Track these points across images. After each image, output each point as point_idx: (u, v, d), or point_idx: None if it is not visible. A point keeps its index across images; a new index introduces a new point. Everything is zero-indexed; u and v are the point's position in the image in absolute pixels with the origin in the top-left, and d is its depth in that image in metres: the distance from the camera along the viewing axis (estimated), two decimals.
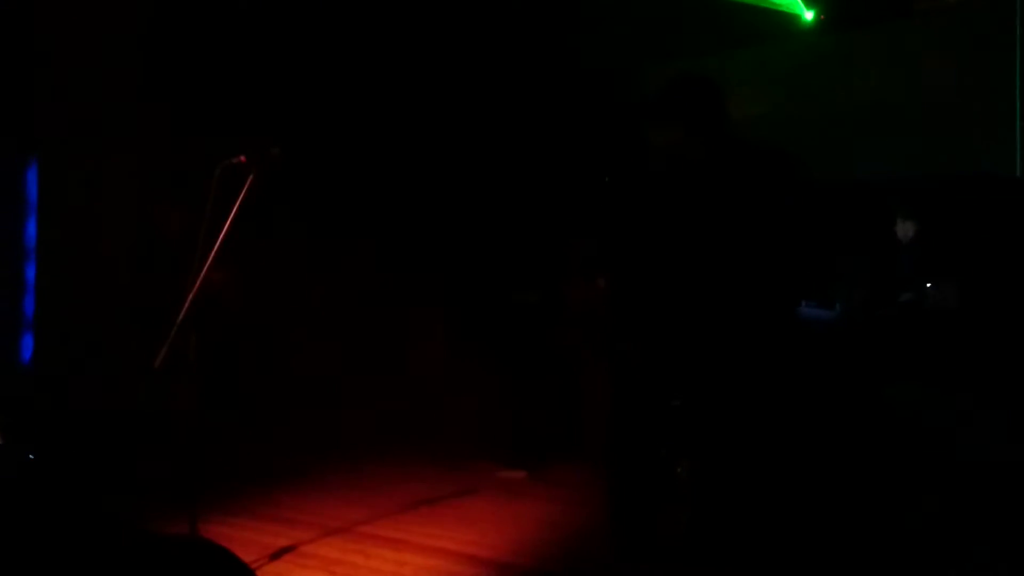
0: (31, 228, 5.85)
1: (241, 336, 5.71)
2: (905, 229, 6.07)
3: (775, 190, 2.99)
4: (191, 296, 3.34)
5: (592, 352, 5.77)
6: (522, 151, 7.96)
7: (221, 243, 3.37)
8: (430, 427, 6.35)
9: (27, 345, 5.82)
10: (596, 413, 5.72)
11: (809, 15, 8.06)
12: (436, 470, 5.64)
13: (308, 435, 5.97)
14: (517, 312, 6.71)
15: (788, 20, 8.10)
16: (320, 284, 6.52)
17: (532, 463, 5.72)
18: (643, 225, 3.46)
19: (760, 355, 2.99)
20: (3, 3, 5.52)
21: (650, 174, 3.51)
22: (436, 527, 4.43)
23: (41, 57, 5.71)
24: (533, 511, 4.79)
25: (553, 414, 6.39)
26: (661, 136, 3.19)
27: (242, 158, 3.52)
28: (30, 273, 5.83)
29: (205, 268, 3.35)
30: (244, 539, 4.12)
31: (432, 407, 6.51)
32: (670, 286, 3.22)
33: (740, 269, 3.01)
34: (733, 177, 3.04)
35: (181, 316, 3.32)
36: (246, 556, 3.75)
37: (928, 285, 5.84)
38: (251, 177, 3.48)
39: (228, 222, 3.41)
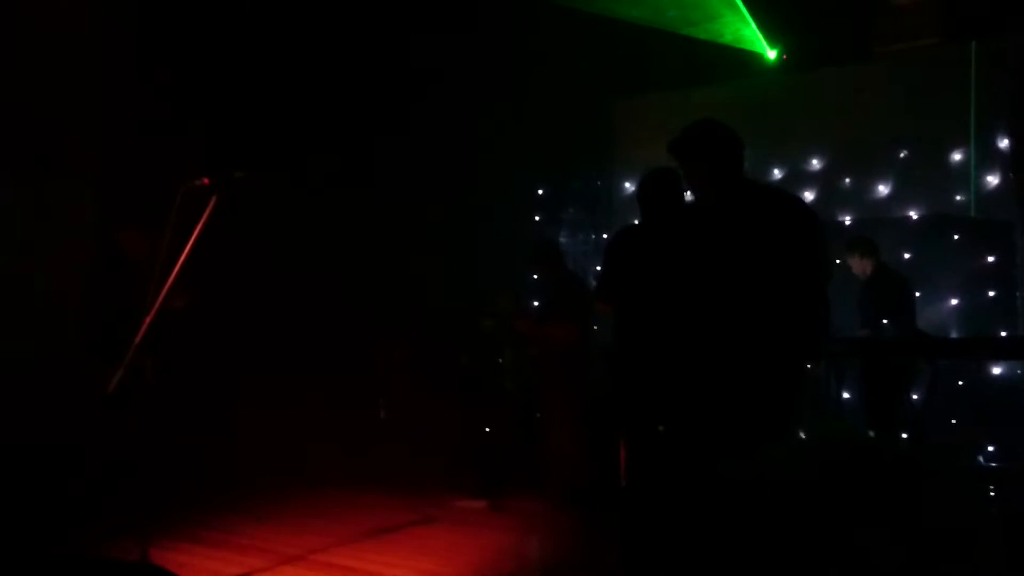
0: None
1: (200, 360, 5.64)
2: (862, 267, 6.17)
3: (790, 233, 3.10)
4: (149, 319, 3.30)
5: (564, 387, 5.79)
6: (484, 180, 8.04)
7: (181, 266, 3.34)
8: (391, 456, 6.31)
9: None
10: (559, 445, 5.73)
11: (772, 54, 8.24)
12: (395, 499, 5.60)
13: (265, 462, 5.90)
14: (477, 340, 6.73)
15: (752, 59, 8.28)
16: (284, 310, 6.48)
17: (492, 493, 5.70)
18: (659, 259, 3.55)
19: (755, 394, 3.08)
20: None
21: (668, 212, 3.62)
22: (393, 555, 4.39)
23: (2, 78, 5.66)
24: (492, 540, 4.77)
25: (514, 445, 6.39)
26: (687, 171, 3.32)
27: (205, 180, 3.49)
28: None
29: (164, 291, 3.32)
30: (196, 566, 4.07)
31: (394, 436, 6.49)
32: (676, 318, 3.30)
33: (747, 308, 3.10)
34: (751, 218, 3.15)
35: (138, 339, 3.28)
36: None
37: (884, 322, 5.94)
38: (213, 200, 3.45)
39: (189, 245, 3.38)
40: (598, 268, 7.60)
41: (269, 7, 6.74)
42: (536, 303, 7.19)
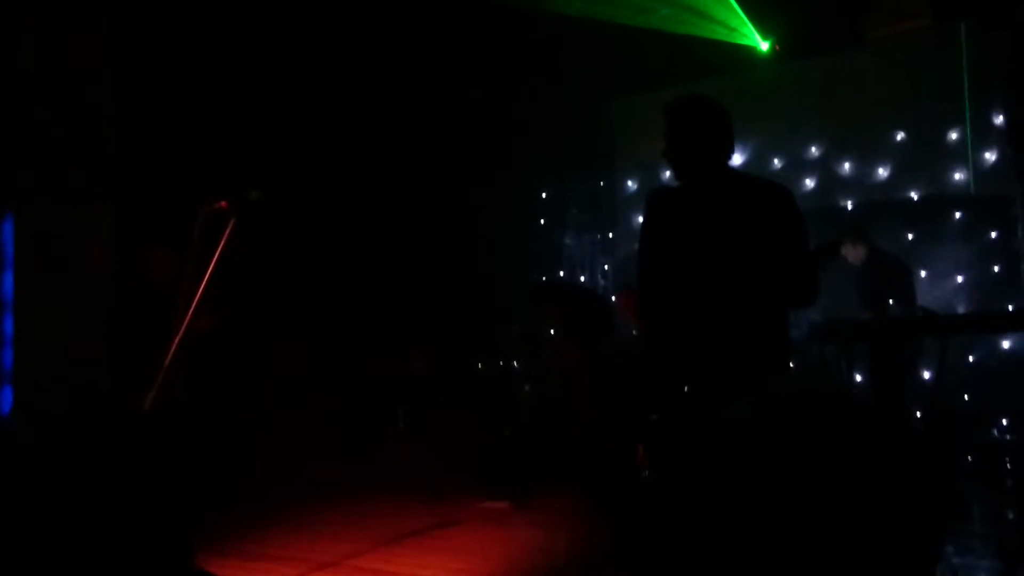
0: (8, 281, 5.87)
1: (228, 375, 5.74)
2: (856, 254, 6.20)
3: (778, 220, 3.12)
4: (178, 338, 3.42)
5: (589, 387, 5.85)
6: (502, 188, 8.14)
7: (205, 286, 3.46)
8: (413, 461, 6.41)
9: (6, 398, 5.81)
10: (578, 444, 5.82)
11: (765, 46, 8.33)
12: (420, 503, 5.70)
13: (293, 473, 6.01)
14: (499, 345, 6.82)
15: (745, 51, 8.37)
16: (303, 323, 6.59)
17: (514, 494, 5.79)
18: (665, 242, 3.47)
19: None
20: None
21: (668, 193, 3.51)
22: (425, 557, 4.48)
23: (16, 113, 5.78)
24: (520, 538, 4.85)
25: (534, 445, 6.48)
26: (675, 146, 3.24)
27: (223, 203, 3.61)
28: (8, 326, 5.84)
29: (191, 311, 3.43)
30: None
31: (414, 441, 6.58)
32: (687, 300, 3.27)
33: (746, 289, 3.11)
34: (741, 204, 3.16)
35: (169, 358, 3.40)
36: None
37: (891, 302, 6.02)
38: (232, 221, 3.57)
39: (211, 266, 3.50)
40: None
41: (275, 28, 6.87)
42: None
